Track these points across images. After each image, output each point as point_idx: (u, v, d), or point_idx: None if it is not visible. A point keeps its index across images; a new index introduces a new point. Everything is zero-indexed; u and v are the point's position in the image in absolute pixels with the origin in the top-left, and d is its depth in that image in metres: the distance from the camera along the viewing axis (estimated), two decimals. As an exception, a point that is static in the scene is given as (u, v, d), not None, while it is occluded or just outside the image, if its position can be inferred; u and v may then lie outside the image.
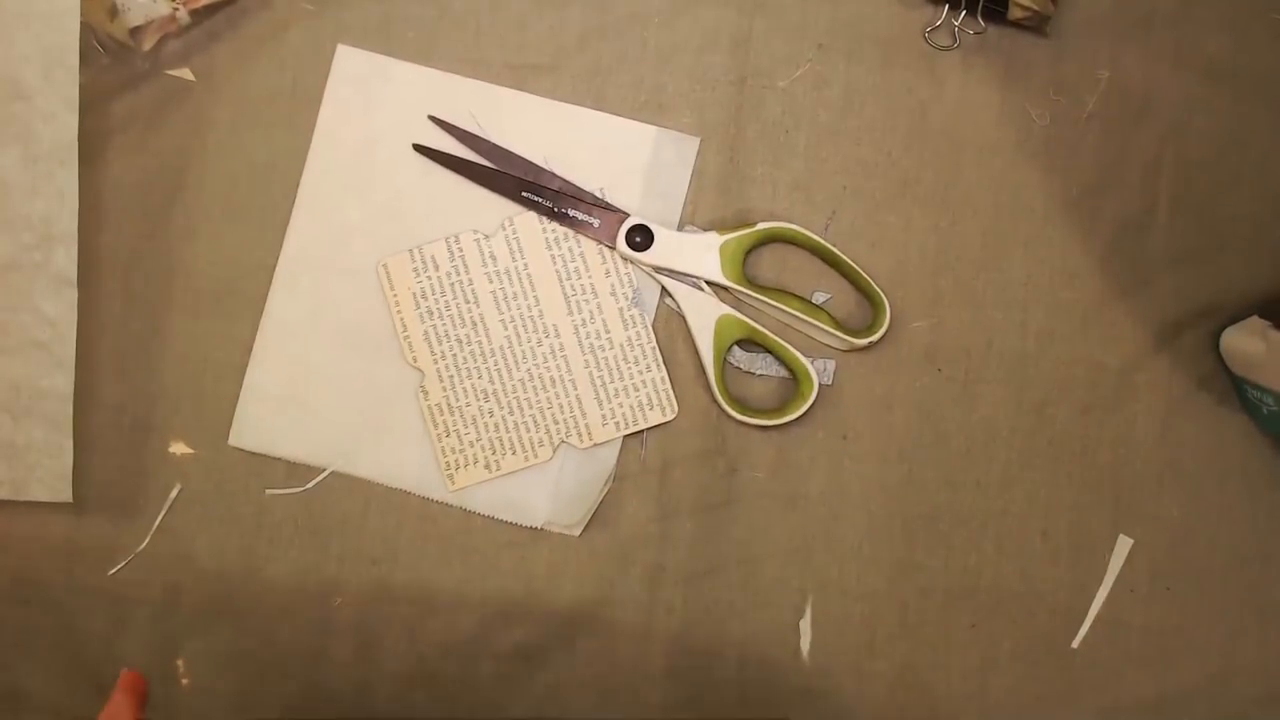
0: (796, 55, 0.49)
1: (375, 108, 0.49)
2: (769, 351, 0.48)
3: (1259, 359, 0.45)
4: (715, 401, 0.48)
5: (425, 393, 0.48)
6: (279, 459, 0.48)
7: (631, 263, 0.48)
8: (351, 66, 0.49)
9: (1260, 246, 0.48)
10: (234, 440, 0.48)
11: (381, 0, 0.49)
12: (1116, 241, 0.48)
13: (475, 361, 0.48)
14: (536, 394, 0.48)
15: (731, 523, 0.48)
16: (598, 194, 0.48)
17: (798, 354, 0.47)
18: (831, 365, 0.48)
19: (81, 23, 0.45)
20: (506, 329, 0.48)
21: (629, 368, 0.48)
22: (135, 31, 0.47)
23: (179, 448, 0.48)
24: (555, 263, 0.48)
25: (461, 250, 0.48)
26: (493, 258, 0.48)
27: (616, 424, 0.48)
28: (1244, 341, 0.46)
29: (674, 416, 0.48)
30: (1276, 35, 0.49)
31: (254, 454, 0.48)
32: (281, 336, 0.48)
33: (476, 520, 0.48)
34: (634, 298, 0.48)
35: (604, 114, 0.49)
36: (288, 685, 0.48)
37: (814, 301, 0.48)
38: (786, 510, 0.48)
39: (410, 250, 0.48)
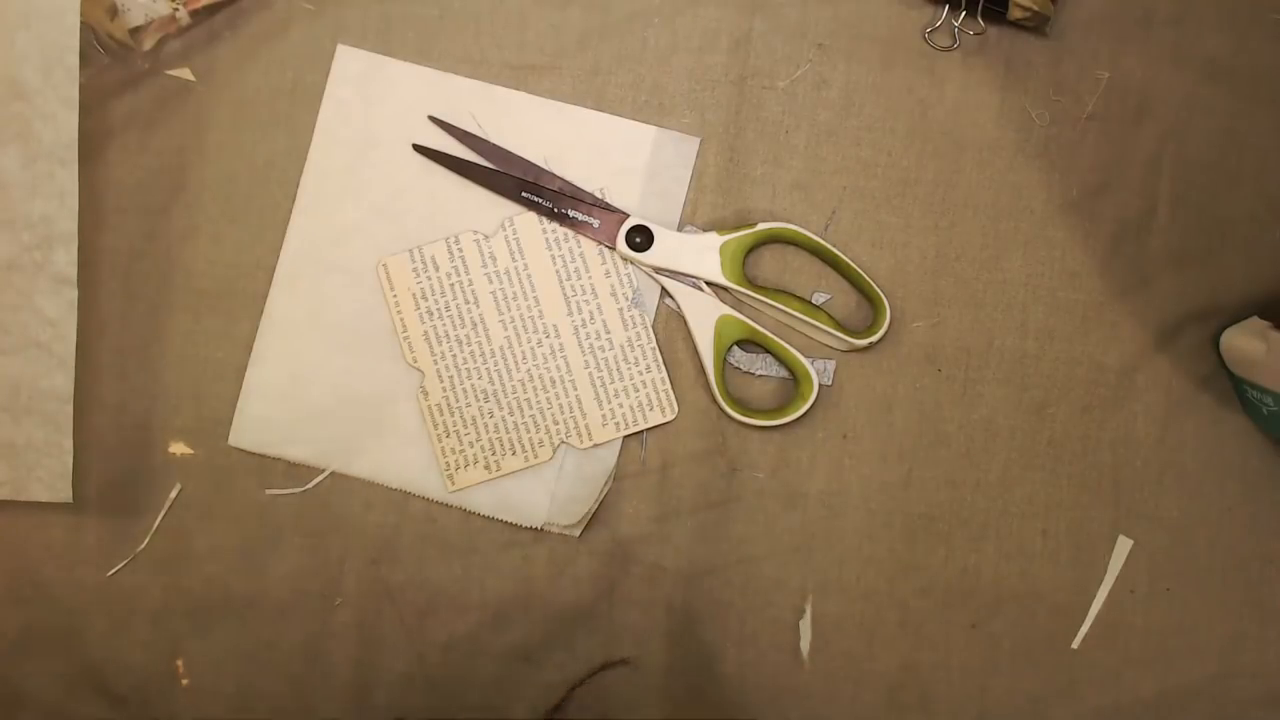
0: (796, 55, 0.49)
1: (375, 108, 0.49)
2: (769, 352, 0.48)
3: (1259, 359, 0.45)
4: (715, 401, 0.48)
5: (425, 393, 0.48)
6: (279, 459, 0.48)
7: (631, 263, 0.48)
8: (351, 66, 0.49)
9: (1260, 246, 0.48)
10: (234, 440, 0.48)
11: (381, 0, 0.49)
12: (1116, 241, 0.49)
13: (475, 362, 0.48)
14: (536, 394, 0.48)
15: (731, 523, 0.48)
16: (598, 194, 0.48)
17: (798, 354, 0.47)
18: (831, 365, 0.48)
19: (81, 23, 0.44)
20: (506, 329, 0.48)
21: (629, 368, 0.48)
22: (135, 31, 0.47)
23: (179, 448, 0.48)
24: (555, 263, 0.48)
25: (461, 250, 0.48)
26: (493, 258, 0.48)
27: (616, 424, 0.48)
28: (1244, 341, 0.46)
29: (674, 417, 0.48)
30: (1276, 35, 0.49)
31: (254, 454, 0.48)
32: (281, 336, 0.48)
33: (476, 520, 0.48)
34: (634, 298, 0.48)
35: (604, 114, 0.49)
36: (288, 685, 0.48)
37: (814, 302, 0.48)
38: (786, 510, 0.48)
39: (410, 250, 0.48)
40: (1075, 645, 0.48)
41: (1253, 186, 0.48)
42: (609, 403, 0.48)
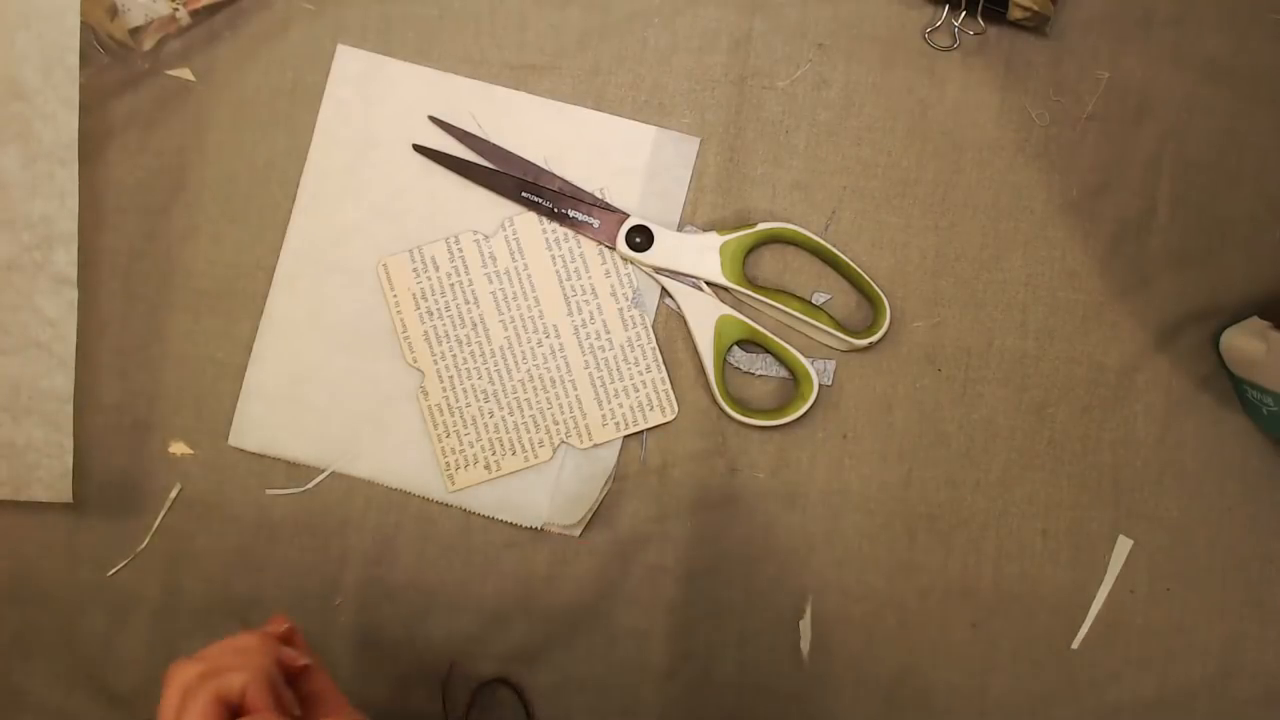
0: (796, 55, 0.49)
1: (375, 108, 0.49)
2: (769, 352, 0.48)
3: (1259, 359, 0.45)
4: (715, 401, 0.48)
5: (425, 393, 0.48)
6: (279, 459, 0.48)
7: (631, 263, 0.48)
8: (351, 66, 0.49)
9: (1260, 246, 0.48)
10: (234, 440, 0.48)
11: (381, 0, 0.49)
12: (1116, 241, 0.48)
13: (475, 362, 0.48)
14: (536, 394, 0.48)
15: (731, 523, 0.48)
16: (598, 194, 0.48)
17: (798, 354, 0.47)
18: (831, 365, 0.48)
19: (81, 23, 0.45)
20: (506, 329, 0.48)
21: (629, 368, 0.48)
22: (135, 31, 0.47)
23: (179, 448, 0.48)
24: (555, 263, 0.48)
25: (461, 250, 0.48)
26: (493, 258, 0.48)
27: (616, 424, 0.48)
28: (1244, 341, 0.46)
29: (674, 417, 0.48)
30: (1276, 35, 0.48)
31: (254, 454, 0.48)
32: (281, 336, 0.48)
33: (476, 520, 0.48)
34: (634, 298, 0.48)
35: (604, 114, 0.49)
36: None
37: (814, 302, 0.48)
38: (786, 510, 0.48)
39: (410, 250, 0.48)
40: (1075, 645, 0.48)
41: (1253, 186, 0.48)
42: (609, 403, 0.48)
